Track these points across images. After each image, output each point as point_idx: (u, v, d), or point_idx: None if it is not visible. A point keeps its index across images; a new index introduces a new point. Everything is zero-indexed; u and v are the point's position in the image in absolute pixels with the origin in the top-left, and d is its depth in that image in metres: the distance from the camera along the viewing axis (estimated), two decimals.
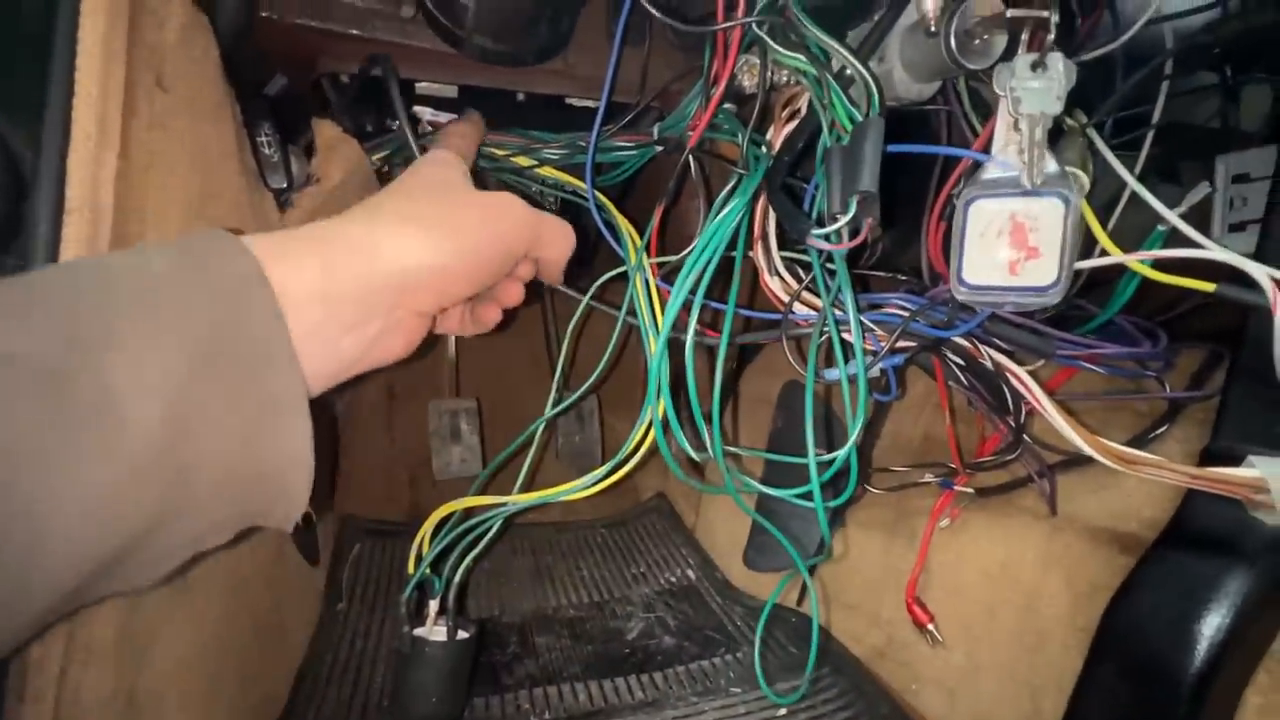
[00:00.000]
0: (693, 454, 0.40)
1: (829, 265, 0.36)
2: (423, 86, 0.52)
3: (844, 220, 0.30)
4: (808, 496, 0.35)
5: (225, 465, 0.22)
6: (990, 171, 0.31)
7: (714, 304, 0.44)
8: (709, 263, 0.37)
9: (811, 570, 0.66)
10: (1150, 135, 0.43)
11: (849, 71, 0.34)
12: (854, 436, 0.33)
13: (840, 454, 0.34)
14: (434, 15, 0.39)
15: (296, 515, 0.25)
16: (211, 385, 0.21)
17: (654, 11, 0.38)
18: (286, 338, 0.23)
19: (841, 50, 0.33)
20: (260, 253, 0.23)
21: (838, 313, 0.36)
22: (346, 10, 0.43)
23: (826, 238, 0.32)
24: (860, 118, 0.33)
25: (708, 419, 0.39)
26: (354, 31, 0.44)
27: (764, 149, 0.37)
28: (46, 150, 0.25)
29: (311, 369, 0.24)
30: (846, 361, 0.42)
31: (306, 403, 0.24)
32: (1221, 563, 0.34)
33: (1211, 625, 0.34)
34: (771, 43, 0.37)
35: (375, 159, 0.51)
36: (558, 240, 0.35)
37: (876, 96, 0.32)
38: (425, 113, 0.53)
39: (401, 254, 0.27)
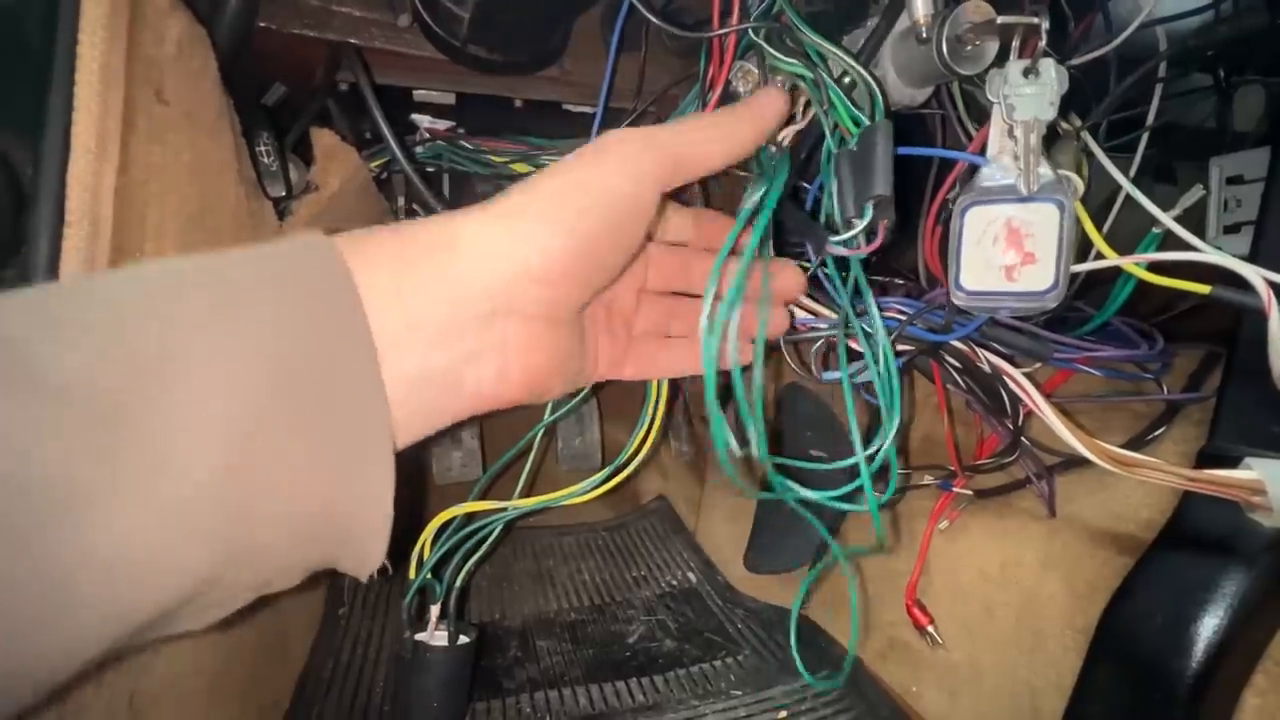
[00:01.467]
0: (738, 452, 0.40)
1: (843, 271, 0.36)
2: (420, 94, 0.53)
3: (861, 226, 0.30)
4: (849, 498, 0.34)
5: (294, 516, 0.19)
6: (985, 178, 0.31)
7: None
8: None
9: (812, 567, 0.66)
10: (1145, 138, 0.44)
11: (849, 77, 0.34)
12: (892, 433, 0.31)
13: (884, 448, 0.32)
14: (429, 25, 0.40)
15: (373, 567, 0.22)
16: (286, 423, 0.18)
17: (651, 17, 0.38)
18: (376, 372, 0.20)
19: (841, 54, 0.33)
20: (355, 256, 0.20)
21: (814, 317, 0.36)
22: (344, 19, 0.43)
23: (845, 244, 0.32)
24: (866, 121, 0.33)
25: (704, 423, 0.39)
26: (352, 40, 0.44)
27: (773, 148, 0.37)
28: (47, 165, 0.25)
29: (401, 409, 0.21)
30: (850, 363, 0.42)
31: (391, 449, 0.21)
32: (1219, 564, 0.35)
33: (1209, 626, 0.34)
34: (768, 48, 0.38)
35: (374, 166, 0.51)
36: (711, 149, 0.26)
37: (880, 99, 0.32)
38: (423, 120, 0.53)
39: (480, 241, 0.22)
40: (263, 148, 0.40)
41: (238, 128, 0.39)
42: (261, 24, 0.42)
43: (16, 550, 0.15)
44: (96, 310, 0.18)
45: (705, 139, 0.26)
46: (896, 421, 0.30)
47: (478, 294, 0.22)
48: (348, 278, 0.20)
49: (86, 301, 0.18)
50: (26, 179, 0.26)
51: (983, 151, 0.32)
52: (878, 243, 0.31)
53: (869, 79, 0.32)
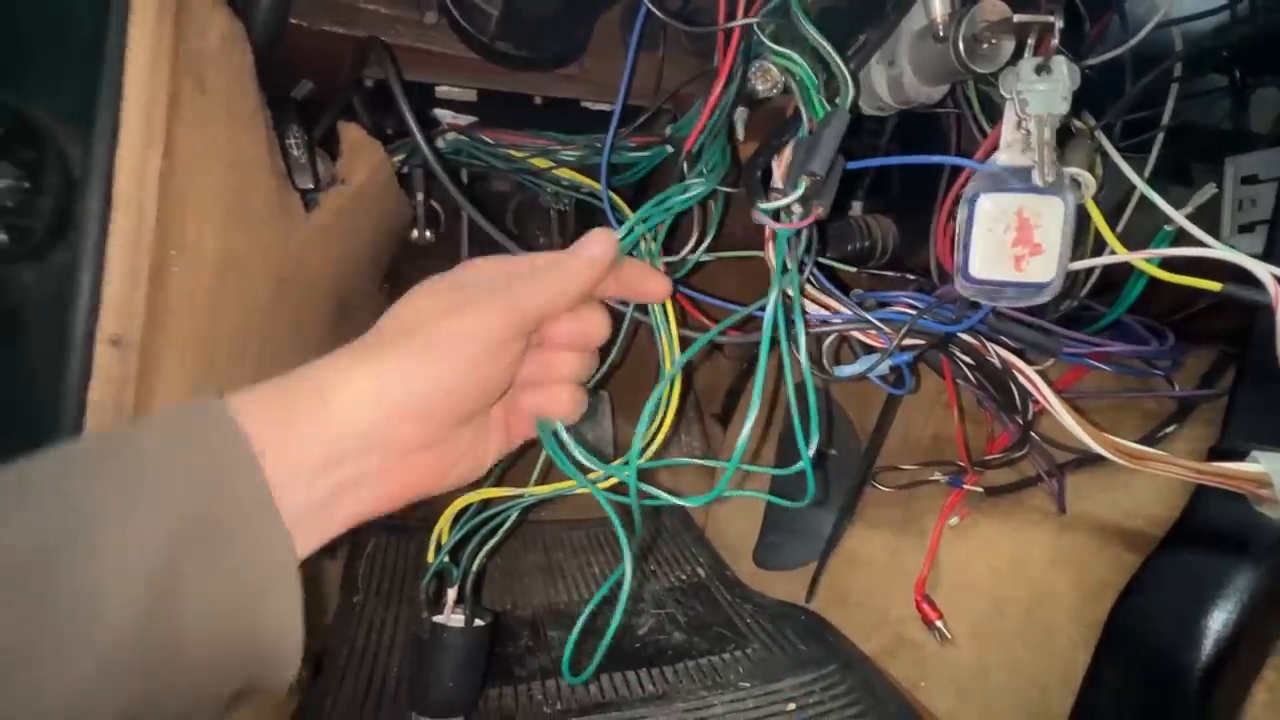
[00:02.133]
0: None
1: (828, 260, 0.37)
2: (443, 90, 0.54)
3: (789, 198, 0.31)
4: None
5: (211, 644, 0.21)
6: (996, 167, 0.32)
7: (725, 303, 0.45)
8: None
9: (821, 564, 0.66)
10: (1160, 137, 0.44)
11: (835, 69, 0.34)
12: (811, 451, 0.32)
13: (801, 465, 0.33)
14: (458, 22, 0.41)
15: (289, 679, 0.24)
16: (197, 563, 0.21)
17: (661, 15, 0.39)
18: (272, 507, 0.23)
19: (825, 45, 0.34)
20: (244, 415, 0.23)
21: (827, 312, 0.36)
22: (372, 17, 0.45)
23: (771, 214, 0.33)
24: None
25: (715, 419, 0.39)
26: (379, 37, 0.45)
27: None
28: (97, 150, 0.27)
29: (296, 535, 0.24)
30: (857, 358, 0.43)
31: (297, 573, 0.23)
32: (1228, 559, 0.35)
33: (1219, 620, 0.34)
34: (766, 41, 0.38)
35: (395, 161, 0.53)
36: (554, 288, 0.30)
37: (850, 93, 0.33)
38: (445, 115, 0.54)
39: (347, 391, 0.25)
40: (292, 141, 0.41)
41: (270, 121, 0.40)
42: (292, 21, 0.43)
43: None
44: (28, 491, 0.20)
45: (550, 297, 0.30)
46: (816, 439, 0.31)
47: (349, 435, 0.25)
48: (240, 436, 0.23)
49: (20, 484, 0.20)
50: (76, 166, 0.27)
51: (994, 150, 0.33)
52: (803, 222, 0.31)
53: (845, 70, 0.33)
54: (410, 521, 0.80)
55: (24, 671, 0.18)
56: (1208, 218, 0.40)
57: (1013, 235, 0.30)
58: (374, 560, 0.73)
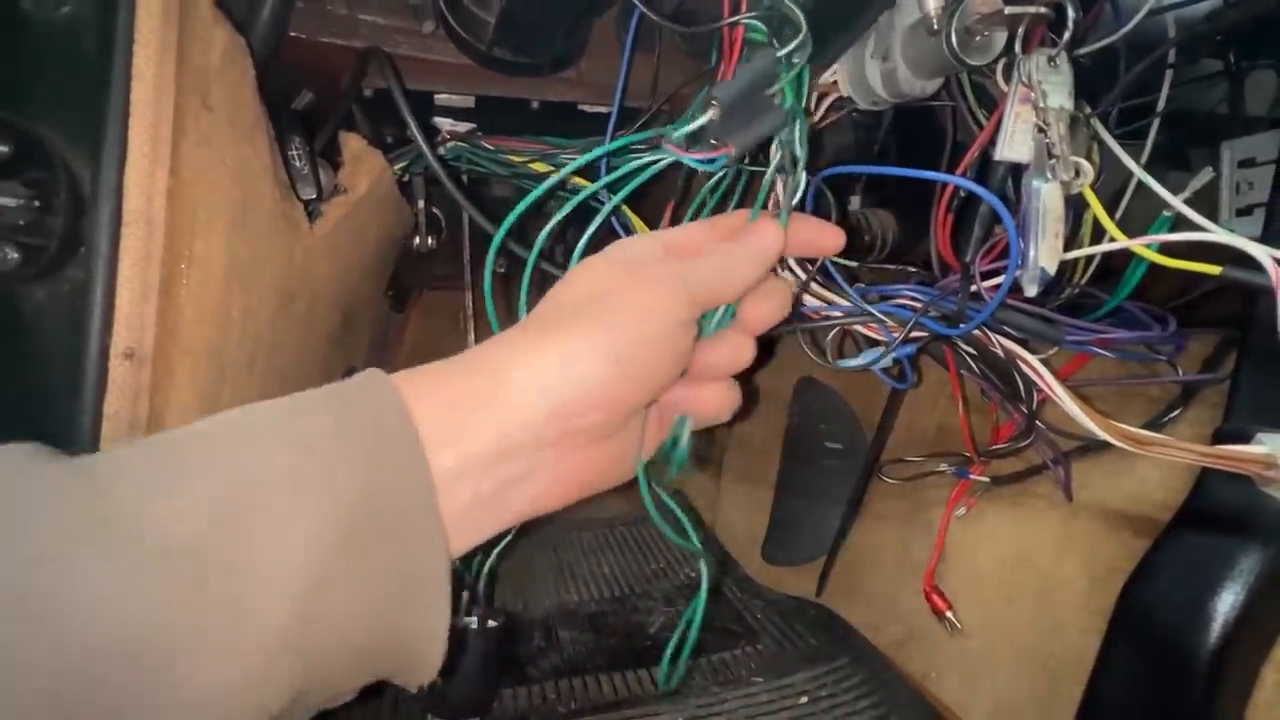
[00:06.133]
0: None
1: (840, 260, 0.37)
2: (441, 97, 0.54)
3: (691, 125, 0.29)
4: None
5: (356, 645, 0.20)
6: (1037, 153, 0.31)
7: None
8: None
9: (830, 558, 0.67)
10: (1156, 123, 0.44)
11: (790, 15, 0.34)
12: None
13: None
14: (455, 30, 0.41)
15: (426, 681, 0.24)
16: (350, 561, 0.20)
17: (652, 15, 0.39)
18: (434, 509, 0.21)
19: (795, 10, 0.34)
20: (415, 400, 0.22)
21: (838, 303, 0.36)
22: (370, 27, 0.45)
23: (677, 141, 0.31)
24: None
25: None
26: (379, 47, 0.46)
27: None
28: (105, 169, 0.27)
29: (455, 534, 0.22)
30: (860, 351, 0.43)
31: (448, 576, 0.22)
32: (1235, 541, 0.35)
33: (1226, 603, 0.34)
34: (757, 27, 0.38)
35: (396, 169, 0.53)
36: (722, 278, 0.28)
37: (799, 39, 0.33)
38: (444, 123, 0.55)
39: (530, 380, 0.23)
40: (294, 152, 0.42)
41: (272, 133, 0.40)
42: (291, 33, 0.44)
43: (115, 712, 0.17)
44: (190, 471, 0.19)
45: (718, 287, 0.28)
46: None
47: (527, 423, 0.23)
48: (410, 428, 0.21)
49: (179, 460, 0.20)
50: (85, 184, 0.28)
51: (993, 142, 0.33)
52: (708, 153, 0.30)
53: (799, 16, 0.33)
54: None
55: (179, 663, 0.17)
56: (1206, 202, 0.40)
57: (1059, 225, 0.30)
58: None
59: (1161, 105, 0.43)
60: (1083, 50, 0.42)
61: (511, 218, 0.34)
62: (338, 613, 0.20)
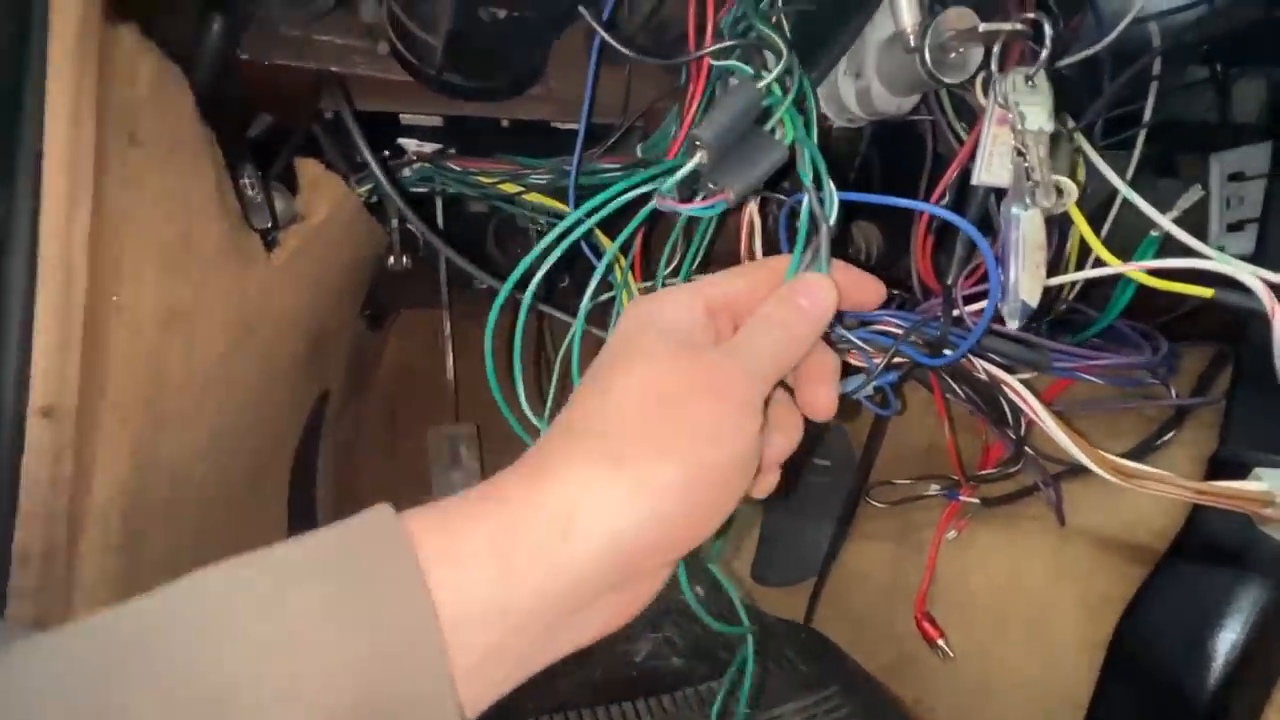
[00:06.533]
0: None
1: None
2: (407, 117, 0.52)
3: (682, 171, 0.27)
4: None
5: None
6: (1015, 178, 0.30)
7: None
8: None
9: (820, 579, 0.65)
10: (1142, 135, 0.42)
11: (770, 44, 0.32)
12: None
13: None
14: (403, 55, 0.39)
15: None
16: None
17: (618, 45, 0.37)
18: (454, 701, 0.18)
19: (765, 30, 0.32)
20: (427, 551, 0.18)
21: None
22: (326, 48, 0.43)
23: (665, 189, 0.30)
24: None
25: None
26: (334, 68, 0.44)
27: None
28: (18, 213, 0.25)
29: (475, 698, 0.19)
30: (843, 377, 0.41)
31: None
32: (1234, 577, 0.33)
33: (1226, 643, 0.33)
34: (735, 65, 0.36)
35: (363, 191, 0.51)
36: (782, 350, 0.24)
37: (781, 67, 0.31)
38: (410, 144, 0.53)
39: (600, 514, 0.19)
40: (246, 180, 0.40)
41: (220, 161, 0.39)
42: (244, 57, 0.42)
43: None
44: (176, 663, 0.16)
45: (790, 358, 0.24)
46: None
47: (585, 582, 0.19)
48: (424, 600, 0.17)
49: (167, 650, 0.16)
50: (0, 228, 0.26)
51: (972, 158, 0.32)
52: (704, 201, 0.28)
53: (776, 39, 0.31)
54: None
55: None
56: (1195, 216, 0.38)
57: (1042, 254, 0.28)
58: None
59: (1148, 116, 0.41)
60: (1066, 61, 0.40)
61: (515, 274, 0.32)
62: None
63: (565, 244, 0.33)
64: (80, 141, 0.26)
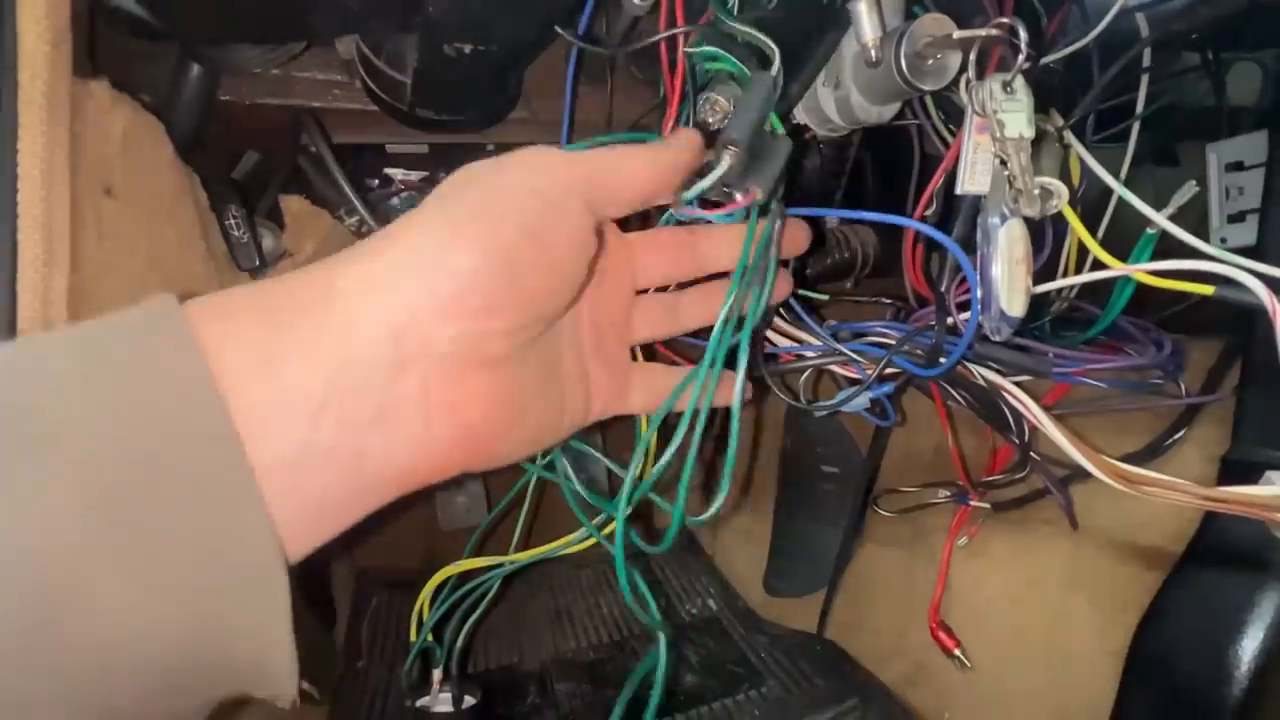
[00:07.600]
0: None
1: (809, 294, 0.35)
2: (393, 146, 0.53)
3: (712, 176, 0.26)
4: None
5: (150, 658, 0.15)
6: (994, 189, 0.29)
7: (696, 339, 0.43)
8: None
9: (831, 589, 0.64)
10: (1136, 127, 0.42)
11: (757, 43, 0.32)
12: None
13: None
14: (374, 91, 0.40)
15: (286, 699, 0.18)
16: (117, 560, 0.15)
17: (575, 40, 0.37)
18: (241, 464, 0.16)
19: (744, 28, 0.31)
20: (204, 324, 0.17)
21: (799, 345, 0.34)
22: (306, 84, 0.43)
23: (689, 199, 0.29)
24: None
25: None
26: (315, 104, 0.44)
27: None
28: None
29: (287, 499, 0.17)
30: (840, 389, 0.40)
31: (279, 558, 0.16)
32: (1253, 580, 0.32)
33: (1249, 650, 0.32)
34: (699, 49, 0.36)
35: (350, 222, 0.51)
36: (629, 169, 0.22)
37: (777, 61, 0.30)
38: (397, 173, 0.53)
39: (368, 275, 0.18)
40: (231, 220, 0.40)
41: (204, 204, 0.39)
42: (225, 98, 0.42)
43: None
44: None
45: (625, 161, 0.23)
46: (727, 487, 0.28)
47: (375, 339, 0.18)
48: (195, 355, 0.16)
49: None
50: None
51: (953, 165, 0.31)
52: (737, 203, 0.27)
53: (762, 38, 0.30)
54: (414, 576, 0.79)
55: None
56: (1195, 207, 0.37)
57: (1026, 265, 0.28)
58: (376, 621, 0.71)
59: (1140, 108, 0.40)
60: (1053, 56, 0.39)
61: None
62: (107, 624, 0.14)
63: None
64: (54, 199, 0.26)
